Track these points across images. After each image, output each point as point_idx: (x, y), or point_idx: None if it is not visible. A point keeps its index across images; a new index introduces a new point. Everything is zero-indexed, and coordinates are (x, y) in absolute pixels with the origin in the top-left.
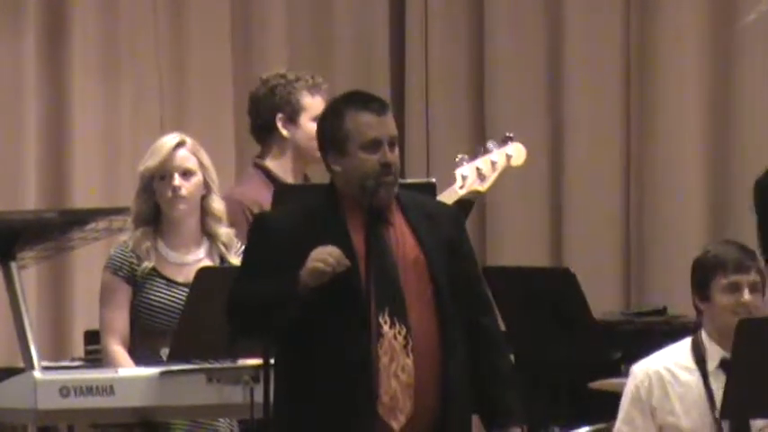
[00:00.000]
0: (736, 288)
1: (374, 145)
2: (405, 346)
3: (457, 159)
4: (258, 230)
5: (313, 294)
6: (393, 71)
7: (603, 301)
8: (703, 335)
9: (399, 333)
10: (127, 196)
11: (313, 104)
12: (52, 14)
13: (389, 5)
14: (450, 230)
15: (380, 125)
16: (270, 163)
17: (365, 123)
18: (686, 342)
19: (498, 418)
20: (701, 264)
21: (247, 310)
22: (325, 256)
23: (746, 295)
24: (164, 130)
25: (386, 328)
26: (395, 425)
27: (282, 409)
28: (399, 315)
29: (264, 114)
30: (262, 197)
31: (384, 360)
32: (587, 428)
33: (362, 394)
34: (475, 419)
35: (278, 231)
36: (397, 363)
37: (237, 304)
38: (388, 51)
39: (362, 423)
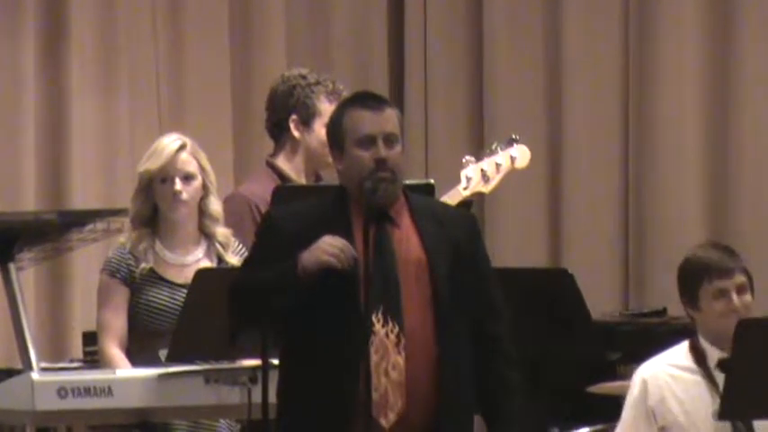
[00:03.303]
0: (723, 294)
1: (367, 141)
2: (396, 345)
3: (463, 161)
4: (267, 228)
5: (312, 280)
6: (392, 74)
7: (602, 301)
8: (700, 337)
9: (391, 331)
10: (125, 197)
11: (329, 111)
12: (51, 16)
13: (387, 8)
14: (460, 236)
15: (374, 121)
16: (282, 162)
17: (359, 120)
18: (684, 344)
19: (499, 427)
20: (684, 273)
21: (246, 293)
22: (337, 252)
23: (735, 299)
24: (162, 131)
25: (378, 326)
26: (384, 422)
27: (279, 407)
28: (393, 314)
29: (280, 112)
30: (270, 195)
31: (375, 358)
32: (587, 429)
33: (350, 391)
34: (478, 420)
35: (286, 229)
36: (388, 360)
37: (237, 289)
38: (387, 54)
39: (351, 419)
